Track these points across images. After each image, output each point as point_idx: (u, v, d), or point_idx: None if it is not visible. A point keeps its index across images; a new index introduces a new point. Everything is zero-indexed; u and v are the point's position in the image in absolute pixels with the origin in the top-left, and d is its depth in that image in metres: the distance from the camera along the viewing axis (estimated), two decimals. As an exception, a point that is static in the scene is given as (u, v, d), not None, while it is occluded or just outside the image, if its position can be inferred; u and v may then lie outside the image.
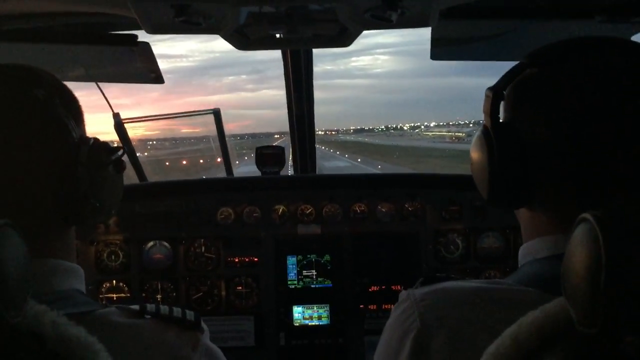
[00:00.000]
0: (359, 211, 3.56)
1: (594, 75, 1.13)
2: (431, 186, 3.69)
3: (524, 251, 1.27)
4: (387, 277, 3.54)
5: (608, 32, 2.11)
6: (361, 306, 3.52)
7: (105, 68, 2.79)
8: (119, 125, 3.78)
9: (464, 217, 3.53)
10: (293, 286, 3.53)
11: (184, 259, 3.53)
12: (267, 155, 3.72)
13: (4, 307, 0.85)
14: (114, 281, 3.50)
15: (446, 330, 1.11)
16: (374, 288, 3.53)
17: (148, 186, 3.92)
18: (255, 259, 3.54)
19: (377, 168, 44.09)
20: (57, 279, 1.25)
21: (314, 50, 3.46)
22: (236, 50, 1.96)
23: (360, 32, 1.95)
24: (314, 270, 3.53)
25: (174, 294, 3.50)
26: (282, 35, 2.04)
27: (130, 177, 3.92)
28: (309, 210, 3.55)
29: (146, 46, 2.26)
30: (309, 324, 3.50)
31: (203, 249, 3.54)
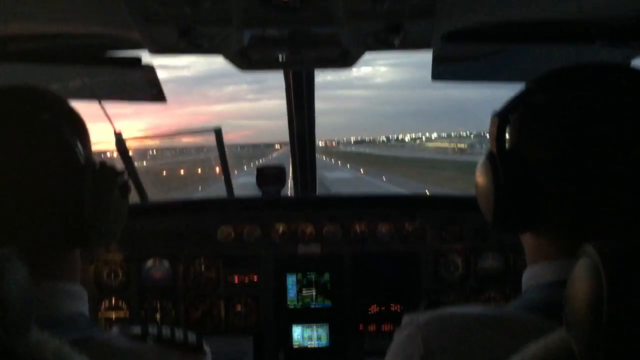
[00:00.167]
0: (359, 231, 3.55)
1: (600, 102, 1.13)
2: (431, 206, 3.69)
3: (528, 275, 1.27)
4: (387, 297, 3.53)
5: (608, 56, 2.13)
6: (361, 326, 3.51)
7: (108, 87, 2.81)
8: (121, 144, 3.79)
9: (464, 238, 3.52)
10: (292, 305, 3.52)
11: (183, 277, 3.51)
12: (268, 175, 3.72)
13: (7, 337, 0.85)
14: (113, 299, 3.48)
15: (449, 357, 1.11)
16: (374, 308, 3.52)
17: (148, 205, 3.92)
18: (255, 278, 3.53)
19: (382, 180, 43.10)
20: (61, 302, 1.25)
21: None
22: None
23: (363, 54, 1.97)
24: (314, 290, 3.52)
25: (173, 313, 3.49)
26: (284, 57, 2.05)
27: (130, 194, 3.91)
28: (309, 229, 3.54)
29: (149, 67, 2.28)
30: (309, 345, 3.48)
31: (203, 267, 3.52)
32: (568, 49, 2.20)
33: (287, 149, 4.21)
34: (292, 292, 3.52)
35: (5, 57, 2.06)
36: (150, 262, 3.50)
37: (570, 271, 0.81)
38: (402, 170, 53.14)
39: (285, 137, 4.06)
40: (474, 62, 2.51)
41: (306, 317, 3.51)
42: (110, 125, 3.65)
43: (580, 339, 0.77)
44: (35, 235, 1.23)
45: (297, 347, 3.48)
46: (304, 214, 3.56)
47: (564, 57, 2.30)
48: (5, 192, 1.19)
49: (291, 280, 3.52)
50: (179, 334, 1.31)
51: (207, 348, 1.36)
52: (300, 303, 3.51)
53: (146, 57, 2.18)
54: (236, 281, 3.52)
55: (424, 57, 2.32)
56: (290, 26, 1.74)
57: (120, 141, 3.73)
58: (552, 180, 1.15)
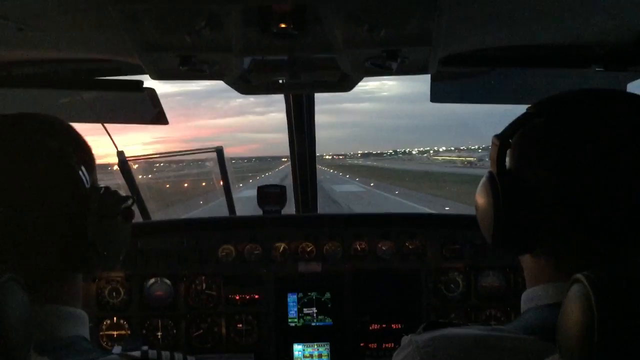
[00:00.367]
0: (359, 249, 3.56)
1: (597, 127, 1.15)
2: (431, 225, 3.70)
3: (526, 297, 1.28)
4: (388, 316, 3.53)
5: (604, 80, 2.15)
6: (362, 345, 3.51)
7: (111, 110, 2.84)
8: (123, 164, 3.81)
9: (464, 256, 3.53)
10: (294, 324, 3.52)
11: (184, 296, 3.52)
12: (269, 194, 3.75)
13: None
14: (115, 318, 3.49)
15: None
16: (375, 326, 3.52)
17: (150, 224, 3.94)
18: (256, 296, 3.53)
19: (394, 193, 40.93)
20: (62, 325, 1.26)
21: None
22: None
23: (361, 78, 2.00)
24: (315, 308, 3.52)
25: (175, 331, 3.49)
26: (284, 81, 2.08)
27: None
28: (310, 248, 3.55)
29: (151, 91, 2.31)
30: (310, 363, 3.49)
31: (204, 286, 3.53)
32: (564, 73, 2.23)
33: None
34: (293, 311, 3.52)
35: (10, 81, 2.09)
36: (151, 281, 3.51)
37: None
38: (413, 184, 50.38)
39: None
40: (471, 85, 2.53)
41: (307, 335, 3.51)
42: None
43: None
44: (38, 259, 1.24)
45: None
46: (305, 233, 3.58)
47: (562, 81, 2.33)
48: (10, 216, 1.21)
49: (292, 298, 3.53)
50: (178, 357, 1.32)
51: None
52: (301, 321, 3.52)
53: (148, 81, 2.21)
54: (237, 299, 3.53)
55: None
56: (289, 53, 1.76)
57: (122, 160, 3.75)
58: (550, 202, 1.16)
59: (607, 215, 1.12)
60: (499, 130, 1.27)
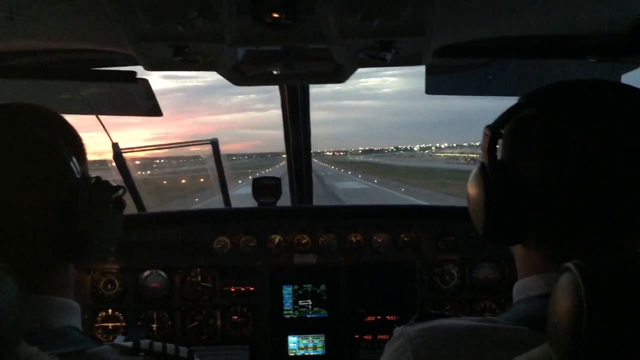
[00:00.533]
0: (354, 241, 3.57)
1: (590, 118, 1.15)
2: (426, 217, 3.71)
3: (518, 288, 1.28)
4: (383, 307, 3.54)
5: (598, 71, 2.15)
6: (357, 336, 3.52)
7: (105, 102, 2.83)
8: (118, 156, 3.81)
9: (459, 248, 3.54)
10: (289, 316, 3.53)
11: (180, 288, 3.53)
12: (264, 186, 3.75)
13: None
14: (110, 310, 3.49)
15: None
16: (370, 318, 3.53)
17: (145, 216, 3.94)
18: (252, 289, 3.54)
19: (400, 191, 39.31)
20: (53, 316, 1.25)
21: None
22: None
23: (356, 69, 1.99)
24: (310, 300, 3.53)
25: (170, 323, 3.50)
26: (278, 72, 2.07)
27: (127, 205, 3.92)
28: (305, 240, 3.56)
29: (145, 82, 2.30)
30: (305, 354, 3.49)
31: (199, 278, 3.54)
32: (558, 64, 2.23)
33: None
34: (288, 303, 3.53)
35: (2, 72, 2.08)
36: (146, 273, 3.51)
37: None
38: (419, 180, 49.23)
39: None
40: (466, 76, 2.53)
41: (302, 327, 3.52)
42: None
43: (560, 353, 0.79)
44: (28, 249, 1.24)
45: (292, 355, 3.49)
46: (300, 225, 3.58)
47: (555, 72, 2.33)
48: (0, 206, 1.21)
49: (287, 290, 3.54)
50: (170, 348, 1.32)
51: None
52: (296, 313, 3.53)
53: (142, 72, 2.20)
54: (232, 291, 3.54)
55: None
56: (283, 43, 1.76)
57: (117, 152, 3.75)
58: (541, 193, 1.17)
59: (598, 206, 1.12)
60: None
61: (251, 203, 3.87)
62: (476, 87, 2.70)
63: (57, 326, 1.25)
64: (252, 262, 3.55)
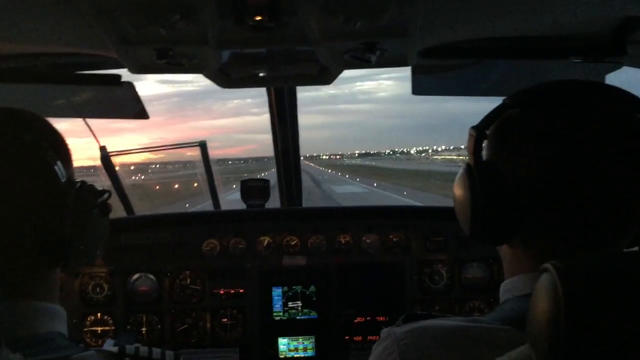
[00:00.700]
0: (343, 242, 3.57)
1: (574, 119, 1.15)
2: (415, 217, 3.71)
3: (504, 288, 1.29)
4: (373, 308, 3.54)
5: (583, 71, 2.16)
6: (347, 337, 3.52)
7: (91, 105, 2.82)
8: (106, 159, 3.79)
9: (448, 248, 3.55)
10: (279, 317, 3.53)
11: (169, 291, 3.52)
12: (252, 188, 3.74)
13: None
14: (99, 314, 3.48)
15: None
16: (360, 319, 3.53)
17: (134, 219, 3.93)
18: (241, 291, 3.53)
19: (403, 194, 37.41)
20: (38, 321, 1.24)
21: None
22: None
23: (341, 71, 1.99)
24: (300, 302, 3.53)
25: (159, 326, 3.49)
26: (264, 74, 2.07)
27: (116, 208, 3.91)
28: (294, 241, 3.56)
29: (130, 85, 2.29)
30: (295, 355, 3.49)
31: (188, 280, 3.53)
32: (544, 64, 2.23)
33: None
34: (278, 305, 3.53)
35: None
36: (135, 276, 3.50)
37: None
38: (420, 183, 47.31)
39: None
40: (453, 77, 2.54)
41: (292, 329, 3.52)
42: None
43: (540, 353, 0.79)
44: (13, 254, 1.23)
45: (283, 357, 3.49)
46: (289, 226, 3.58)
47: (540, 73, 2.33)
48: None
49: (277, 292, 3.53)
50: (156, 352, 1.32)
51: None
52: (286, 315, 3.52)
53: (127, 75, 2.19)
54: (222, 294, 3.53)
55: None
56: (267, 46, 1.75)
57: (104, 155, 3.73)
58: (526, 193, 1.17)
59: (582, 206, 1.13)
60: None
61: (245, 207, 3.87)
62: (463, 88, 2.71)
63: (42, 332, 1.24)
64: (242, 264, 3.54)
